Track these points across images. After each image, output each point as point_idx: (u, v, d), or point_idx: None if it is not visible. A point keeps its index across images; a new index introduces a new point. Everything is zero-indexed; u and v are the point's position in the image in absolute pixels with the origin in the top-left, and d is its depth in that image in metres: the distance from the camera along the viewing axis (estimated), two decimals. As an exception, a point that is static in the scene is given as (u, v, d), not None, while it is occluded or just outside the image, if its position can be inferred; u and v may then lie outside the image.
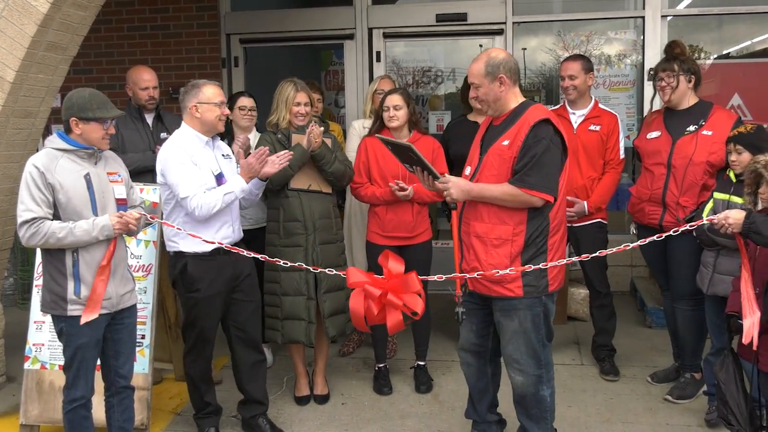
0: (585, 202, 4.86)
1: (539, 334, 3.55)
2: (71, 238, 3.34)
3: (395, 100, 4.67)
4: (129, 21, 7.47)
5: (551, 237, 3.49)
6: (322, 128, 4.50)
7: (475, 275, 3.46)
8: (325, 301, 4.53)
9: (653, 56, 6.88)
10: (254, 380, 4.32)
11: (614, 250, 3.55)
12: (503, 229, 3.44)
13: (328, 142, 4.57)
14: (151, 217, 3.73)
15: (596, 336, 5.21)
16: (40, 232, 3.30)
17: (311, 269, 3.88)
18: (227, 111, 4.12)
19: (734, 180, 3.99)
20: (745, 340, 3.24)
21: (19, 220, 3.32)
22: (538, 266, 3.42)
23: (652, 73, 6.74)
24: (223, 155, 4.18)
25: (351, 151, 5.16)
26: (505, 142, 3.45)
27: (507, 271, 3.40)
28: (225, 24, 7.53)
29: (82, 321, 3.41)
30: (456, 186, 3.47)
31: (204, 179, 3.94)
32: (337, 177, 4.59)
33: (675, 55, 4.52)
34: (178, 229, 3.88)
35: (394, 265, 3.43)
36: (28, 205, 3.32)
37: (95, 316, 3.43)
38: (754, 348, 3.25)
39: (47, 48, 4.15)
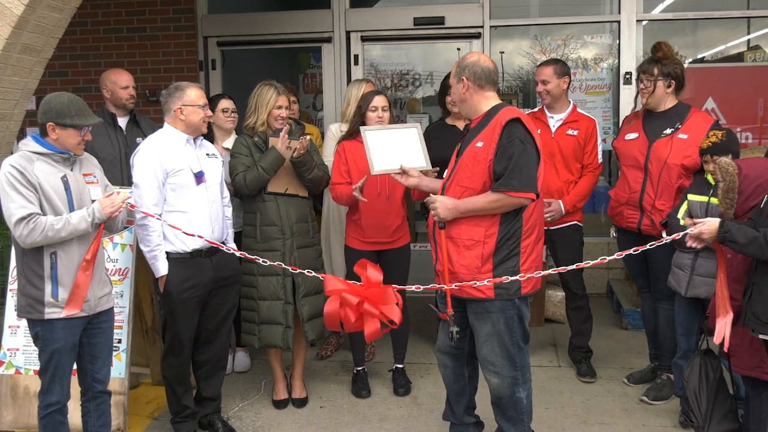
0: (560, 201, 4.90)
1: (513, 336, 3.56)
2: (69, 227, 3.32)
3: (384, 101, 4.66)
4: (105, 23, 7.41)
5: (524, 239, 3.50)
6: (309, 137, 4.48)
7: (453, 286, 3.49)
8: (304, 305, 4.52)
9: (629, 60, 6.95)
10: (212, 378, 4.38)
11: (591, 263, 3.62)
12: (476, 230, 3.46)
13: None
14: (130, 206, 3.75)
15: (573, 338, 5.25)
16: (38, 226, 3.26)
17: (290, 269, 3.89)
18: (210, 113, 4.17)
19: (713, 183, 4.03)
20: (716, 340, 3.28)
21: (14, 218, 3.27)
22: (515, 278, 3.44)
23: (627, 76, 6.87)
24: (207, 155, 4.21)
25: (328, 155, 5.15)
26: (479, 144, 3.48)
27: (485, 282, 3.43)
28: (202, 27, 7.49)
29: (63, 314, 3.39)
30: (443, 206, 3.49)
31: (156, 199, 3.97)
32: (315, 183, 4.61)
33: (657, 58, 4.54)
34: (157, 218, 3.90)
35: (373, 273, 3.44)
36: (20, 203, 3.27)
37: (77, 311, 3.41)
38: (725, 349, 3.30)
39: (22, 50, 4.10)
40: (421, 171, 4.03)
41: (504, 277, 3.43)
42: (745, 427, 3.58)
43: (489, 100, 3.60)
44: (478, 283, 3.43)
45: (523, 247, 3.50)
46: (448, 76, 5.21)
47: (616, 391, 4.83)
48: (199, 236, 3.91)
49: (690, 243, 3.44)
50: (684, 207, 4.13)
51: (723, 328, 3.26)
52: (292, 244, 4.49)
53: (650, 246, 3.54)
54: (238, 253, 4.00)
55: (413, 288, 3.61)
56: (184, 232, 3.88)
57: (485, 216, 3.45)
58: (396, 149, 4.13)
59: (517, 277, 3.44)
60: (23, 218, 3.26)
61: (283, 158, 4.42)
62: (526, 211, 3.48)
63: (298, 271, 3.85)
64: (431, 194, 3.62)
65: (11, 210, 3.28)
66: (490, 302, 3.50)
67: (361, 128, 4.28)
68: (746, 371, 3.45)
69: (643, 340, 5.13)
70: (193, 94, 4.05)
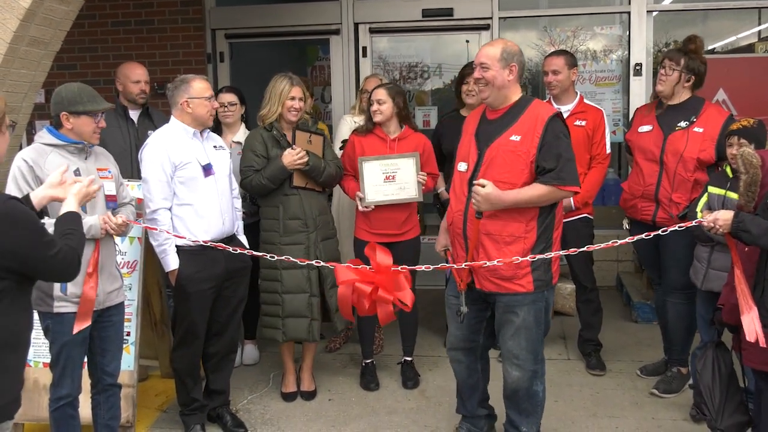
0: (571, 198, 4.87)
1: (540, 329, 3.58)
2: None
3: (378, 94, 4.67)
4: (113, 16, 7.41)
5: (555, 230, 3.55)
6: (303, 153, 4.43)
7: (463, 265, 3.49)
8: (332, 297, 4.53)
9: (639, 51, 6.92)
10: (220, 371, 4.38)
11: (602, 245, 3.56)
12: (516, 226, 3.44)
13: (320, 140, 4.56)
14: (134, 223, 3.74)
15: (582, 331, 5.23)
16: None
17: (314, 263, 3.91)
18: (216, 104, 4.17)
19: (731, 175, 3.98)
20: (749, 337, 3.17)
21: None
22: (530, 257, 3.44)
23: (638, 67, 6.82)
24: (215, 147, 4.20)
25: (344, 135, 5.21)
26: (515, 137, 3.45)
27: (494, 262, 3.41)
28: (210, 19, 7.48)
29: (75, 330, 3.41)
30: (486, 200, 3.39)
31: (165, 193, 3.98)
32: (329, 183, 4.64)
33: (688, 50, 4.51)
34: (167, 232, 3.92)
35: (382, 257, 3.43)
36: None
37: (87, 323, 3.43)
38: (762, 345, 3.15)
39: (30, 43, 4.10)
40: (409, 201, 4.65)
41: (517, 257, 3.42)
42: (757, 421, 3.55)
43: (518, 91, 3.60)
44: (487, 263, 3.42)
45: (554, 238, 3.55)
46: (467, 66, 5.21)
47: (625, 384, 4.82)
48: (204, 242, 3.89)
49: (708, 224, 3.35)
50: (704, 199, 4.08)
51: (751, 324, 3.17)
52: (316, 237, 4.51)
53: (663, 232, 3.50)
54: (247, 251, 3.97)
55: (423, 268, 3.61)
56: (192, 241, 3.91)
57: (524, 211, 3.45)
58: (390, 179, 4.57)
59: (528, 257, 3.43)
60: None
61: (288, 171, 4.42)
62: (558, 205, 3.55)
63: (307, 262, 3.89)
64: (476, 183, 3.45)
65: None
66: (523, 295, 3.50)
67: (359, 158, 4.56)
68: (757, 365, 3.41)
69: (653, 332, 5.10)
70: (198, 86, 4.04)
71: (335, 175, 4.62)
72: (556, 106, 4.99)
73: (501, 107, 3.58)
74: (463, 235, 3.58)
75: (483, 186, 3.39)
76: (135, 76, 5.05)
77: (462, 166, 3.64)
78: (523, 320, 3.53)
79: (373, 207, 4.64)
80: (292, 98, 4.49)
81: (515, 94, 3.58)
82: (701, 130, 4.37)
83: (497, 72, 3.51)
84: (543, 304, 3.57)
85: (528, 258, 3.44)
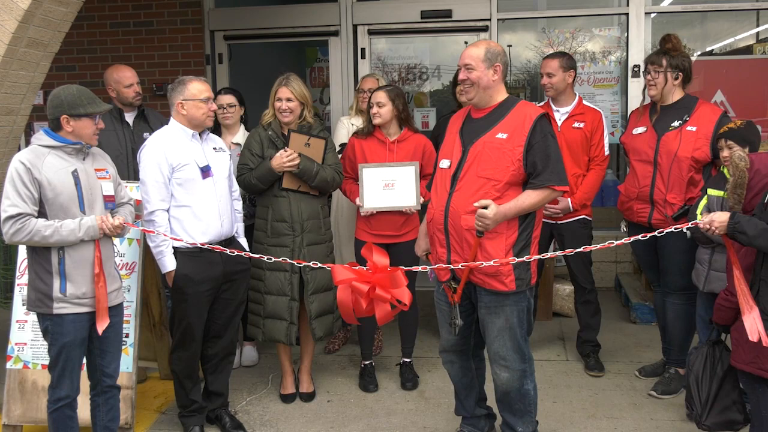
0: (569, 199, 4.87)
1: (522, 329, 3.59)
2: (56, 237, 3.33)
3: (378, 97, 4.68)
4: (112, 17, 7.42)
5: (535, 230, 3.56)
6: (294, 155, 4.40)
7: (460, 266, 3.49)
8: (312, 302, 4.52)
9: (637, 53, 6.92)
10: (219, 372, 4.38)
11: (599, 246, 3.57)
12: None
13: (321, 144, 4.55)
14: (130, 225, 3.73)
15: (581, 332, 5.23)
16: (25, 228, 3.27)
17: (296, 263, 3.89)
18: (214, 106, 4.14)
19: (728, 177, 3.99)
20: (752, 337, 3.18)
21: (4, 215, 3.29)
22: (522, 259, 3.46)
23: (636, 69, 6.83)
24: (214, 149, 4.20)
25: (336, 142, 5.20)
26: (501, 135, 3.46)
27: (491, 263, 3.42)
28: (209, 20, 7.49)
29: (100, 331, 3.46)
30: (494, 220, 3.38)
31: (163, 195, 3.97)
32: (323, 188, 4.59)
33: (666, 49, 4.53)
34: (164, 235, 3.92)
35: (379, 258, 3.43)
36: (13, 201, 3.29)
37: (107, 322, 3.48)
38: (765, 344, 3.15)
39: (28, 44, 4.10)
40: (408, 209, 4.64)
41: (512, 258, 3.43)
42: (751, 423, 3.55)
43: (503, 91, 3.62)
44: (484, 263, 3.41)
45: (533, 238, 3.55)
46: None
47: (624, 386, 4.82)
48: (201, 244, 3.90)
49: (704, 226, 3.35)
50: (703, 202, 4.08)
51: (753, 325, 3.16)
52: (301, 241, 4.49)
53: (659, 233, 3.51)
54: (243, 253, 4.00)
55: (420, 269, 3.63)
56: (188, 243, 3.91)
57: None
58: (390, 187, 4.60)
59: (524, 258, 3.45)
60: (12, 216, 3.28)
61: (276, 173, 4.42)
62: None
63: (303, 264, 3.86)
64: (480, 208, 3.40)
65: (3, 206, 3.31)
66: (506, 295, 3.51)
67: (360, 165, 4.60)
68: (744, 366, 3.41)
69: (651, 333, 5.10)
70: (194, 88, 4.03)
71: (331, 180, 4.57)
72: (554, 107, 5.00)
73: (486, 107, 3.60)
74: (444, 231, 3.58)
75: (485, 207, 3.37)
76: (126, 80, 5.04)
77: (444, 163, 3.66)
78: (506, 321, 3.55)
79: (373, 212, 4.65)
80: (279, 99, 4.50)
81: (500, 94, 3.60)
82: (694, 128, 4.38)
83: (482, 72, 3.54)
84: (525, 305, 3.58)
85: (530, 258, 3.46)
